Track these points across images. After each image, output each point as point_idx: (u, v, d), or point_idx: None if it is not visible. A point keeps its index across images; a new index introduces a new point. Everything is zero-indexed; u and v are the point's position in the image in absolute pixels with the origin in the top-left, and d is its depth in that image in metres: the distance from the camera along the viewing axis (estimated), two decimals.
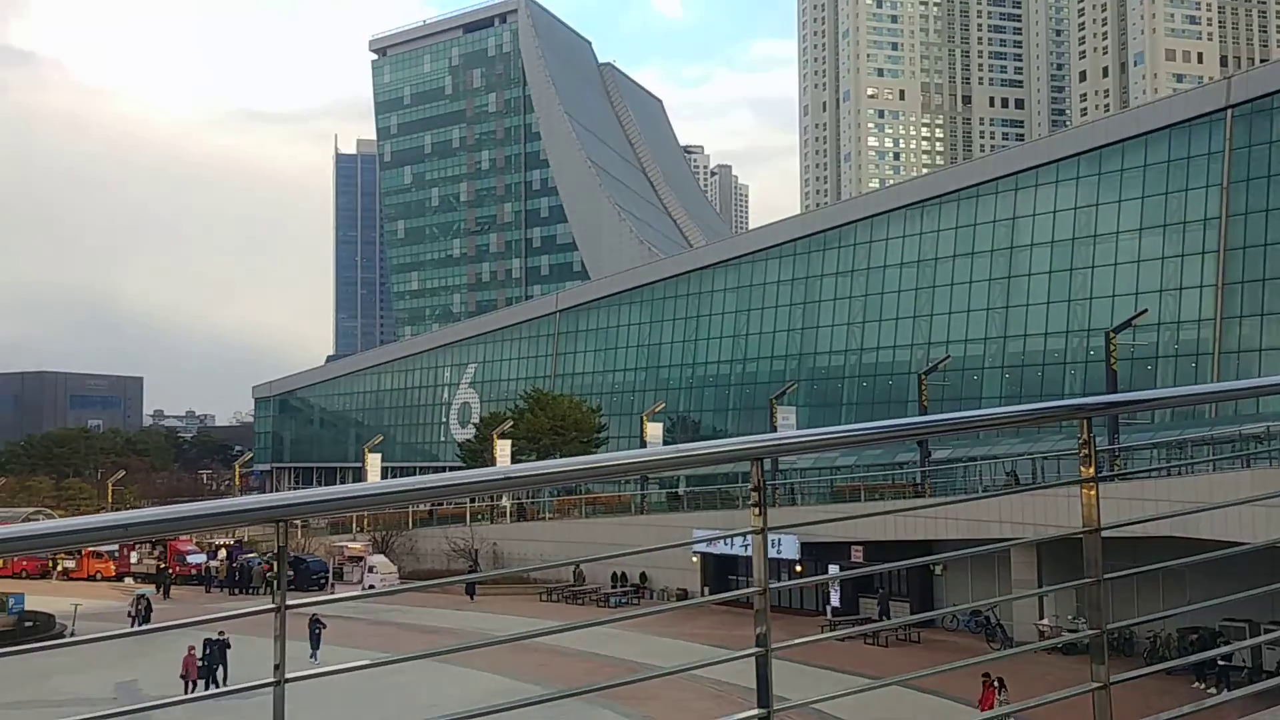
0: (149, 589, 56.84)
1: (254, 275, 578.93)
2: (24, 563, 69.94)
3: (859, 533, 44.87)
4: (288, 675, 3.08)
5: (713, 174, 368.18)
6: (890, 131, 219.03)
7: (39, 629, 49.49)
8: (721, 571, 54.31)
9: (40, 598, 56.50)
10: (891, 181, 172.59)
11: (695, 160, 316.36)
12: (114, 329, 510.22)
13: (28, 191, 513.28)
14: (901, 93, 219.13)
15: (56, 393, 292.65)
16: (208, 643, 35.95)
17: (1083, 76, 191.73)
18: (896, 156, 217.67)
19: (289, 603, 3.12)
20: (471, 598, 56.32)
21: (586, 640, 39.45)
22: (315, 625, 38.91)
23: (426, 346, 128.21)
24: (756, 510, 3.79)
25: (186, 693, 34.19)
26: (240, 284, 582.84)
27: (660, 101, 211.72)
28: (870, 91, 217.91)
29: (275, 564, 3.01)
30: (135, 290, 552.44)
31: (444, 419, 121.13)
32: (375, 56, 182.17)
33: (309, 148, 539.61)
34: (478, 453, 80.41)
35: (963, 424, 4.23)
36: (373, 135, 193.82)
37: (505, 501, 70.57)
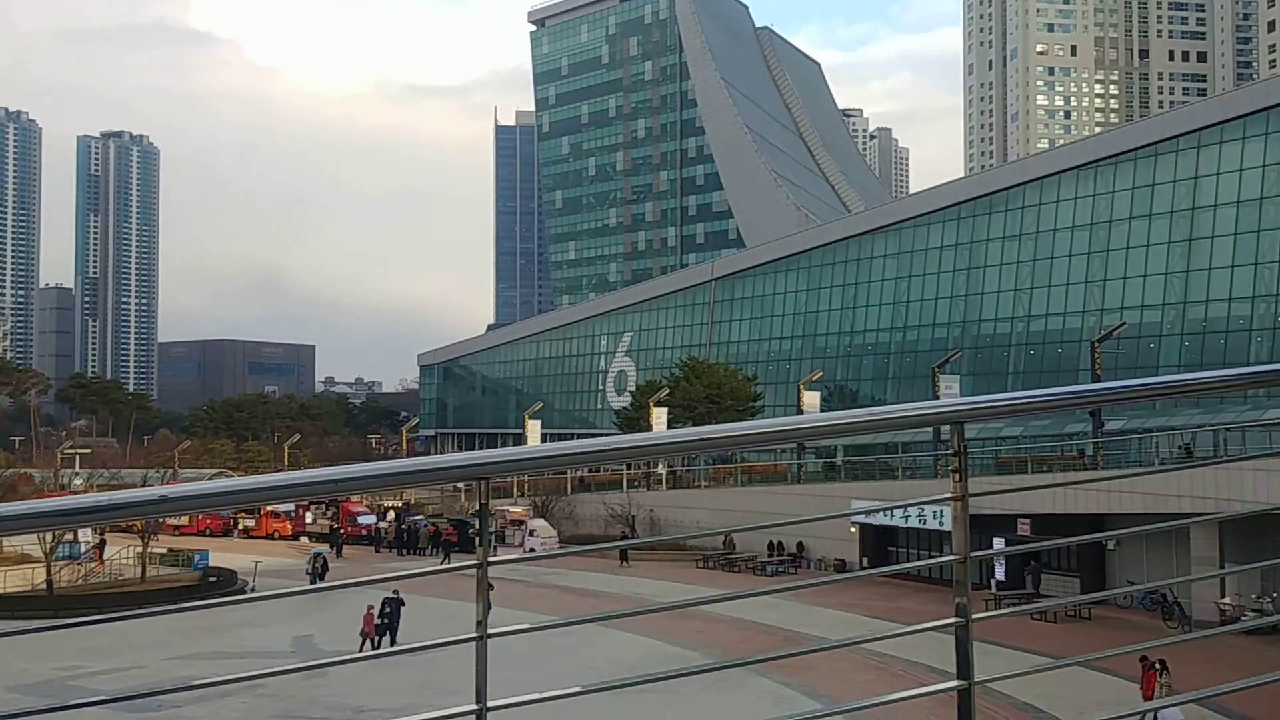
0: (324, 548, 59.16)
1: (418, 246, 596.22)
2: (207, 521, 73.81)
3: (1026, 505, 43.53)
4: (489, 631, 3.10)
5: (872, 137, 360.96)
6: (1060, 89, 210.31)
7: (222, 584, 51.90)
8: (881, 542, 53.57)
9: (223, 555, 59.51)
10: (1062, 142, 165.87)
11: (854, 124, 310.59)
12: (288, 298, 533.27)
13: (209, 168, 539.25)
14: (1073, 48, 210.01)
15: (236, 359, 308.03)
16: (386, 601, 36.43)
17: (1271, 26, 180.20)
18: (1067, 115, 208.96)
19: (490, 560, 3.14)
20: (624, 563, 56.96)
21: (743, 608, 39.46)
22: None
23: (583, 315, 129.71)
24: (957, 476, 3.60)
25: (361, 650, 35.48)
26: (405, 255, 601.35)
27: (818, 65, 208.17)
28: (1040, 48, 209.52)
29: (476, 522, 3.03)
30: (308, 261, 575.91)
31: (600, 387, 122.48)
32: (534, 28, 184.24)
33: (470, 120, 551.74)
34: (634, 420, 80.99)
35: (1173, 388, 3.97)
36: (531, 106, 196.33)
37: (661, 469, 71.03)
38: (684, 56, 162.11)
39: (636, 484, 70.90)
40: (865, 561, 53.25)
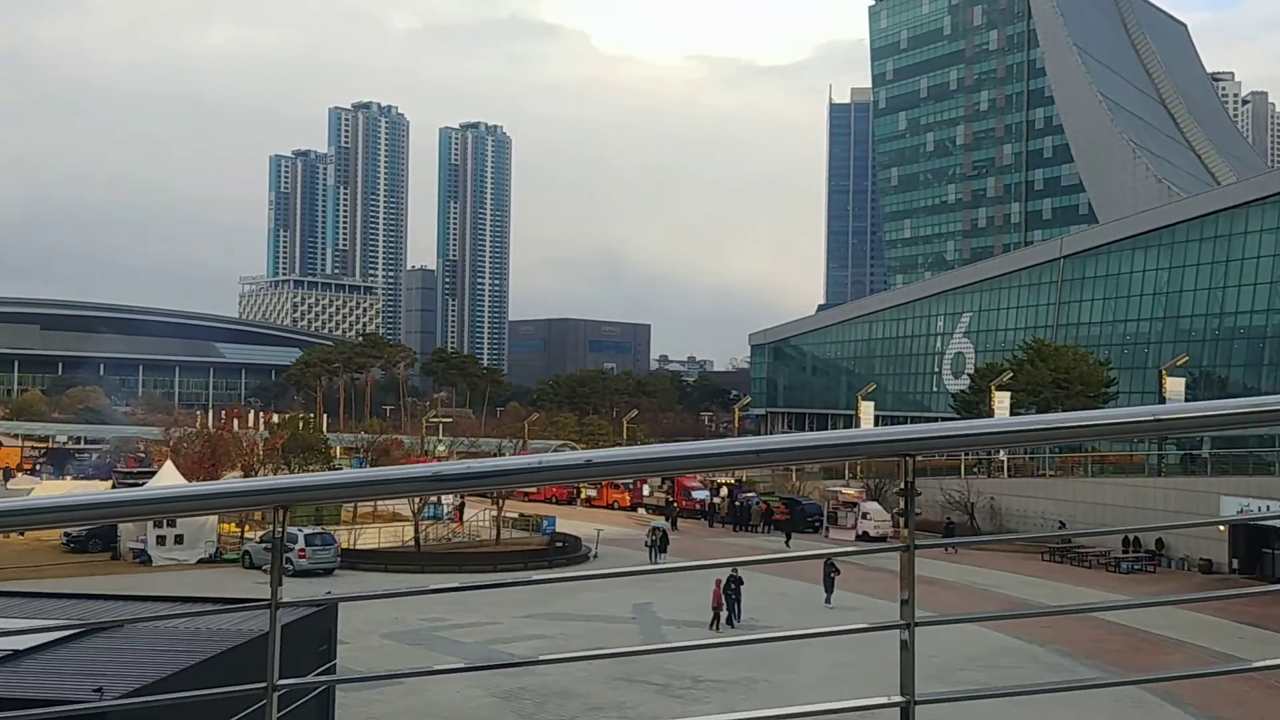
0: (661, 520, 60.75)
1: (750, 226, 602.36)
2: (554, 489, 77.81)
3: None
4: (917, 619, 2.87)
5: (1244, 102, 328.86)
6: None
7: (567, 550, 54.50)
8: (1254, 543, 48.82)
9: (567, 522, 62.57)
10: None
11: (1224, 88, 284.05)
12: (625, 279, 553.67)
13: (553, 156, 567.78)
14: None
15: (578, 337, 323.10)
16: (730, 579, 36.38)
17: None
18: None
19: (918, 543, 2.91)
20: (949, 550, 55.21)
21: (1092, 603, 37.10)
22: (830, 570, 38.90)
23: (919, 295, 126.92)
24: None
25: (714, 626, 36.07)
26: (737, 235, 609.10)
27: (1183, 26, 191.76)
28: None
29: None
30: (646, 243, 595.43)
31: (936, 369, 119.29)
32: (873, 2, 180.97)
33: (804, 99, 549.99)
34: (972, 404, 78.30)
35: None
36: (867, 83, 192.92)
37: (1002, 455, 68.13)
38: (1032, 23, 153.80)
39: (975, 470, 68.36)
40: (1235, 563, 48.76)
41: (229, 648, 17.07)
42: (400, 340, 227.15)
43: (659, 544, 50.66)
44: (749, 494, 71.49)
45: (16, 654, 15.85)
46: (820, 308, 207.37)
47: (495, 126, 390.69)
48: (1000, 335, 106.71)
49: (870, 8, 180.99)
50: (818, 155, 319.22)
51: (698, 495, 73.12)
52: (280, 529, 2.61)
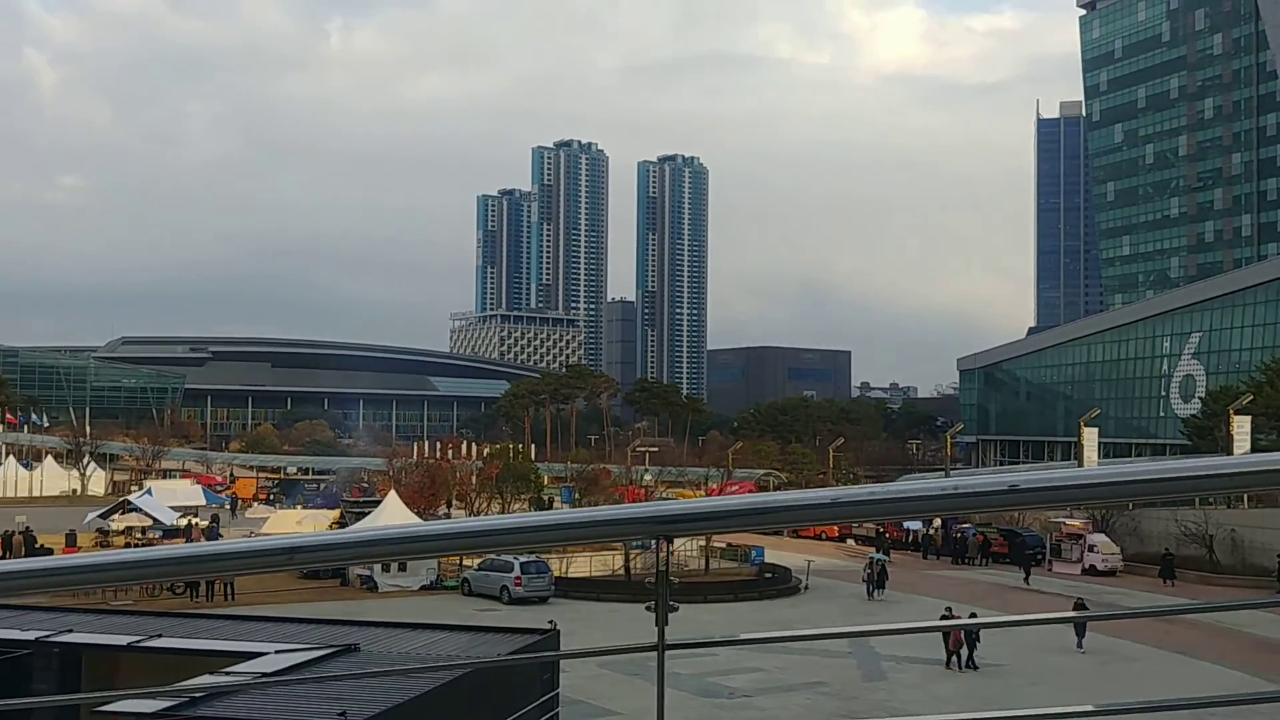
0: (875, 552, 58.86)
1: (953, 249, 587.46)
2: None
3: None
4: None
5: None
6: None
7: (777, 581, 53.57)
8: None
9: (775, 552, 61.52)
10: None
11: None
12: (825, 306, 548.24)
13: (752, 184, 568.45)
14: None
15: (777, 365, 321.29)
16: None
17: None
18: None
19: None
20: (1169, 582, 53.63)
21: None
22: (1078, 609, 36.71)
23: (1141, 315, 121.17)
24: None
25: (950, 664, 34.61)
26: (939, 258, 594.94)
27: None
28: None
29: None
30: (844, 269, 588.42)
31: (1162, 392, 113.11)
32: (1083, 12, 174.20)
33: (1009, 116, 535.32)
34: (1205, 430, 73.86)
35: None
36: (1076, 97, 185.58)
37: None
38: (1261, 25, 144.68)
39: (1212, 500, 63.92)
40: None
41: (462, 675, 17.22)
42: (601, 371, 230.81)
43: (877, 578, 49.16)
44: (965, 524, 68.87)
45: (264, 675, 16.40)
46: (1031, 330, 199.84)
47: (692, 158, 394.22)
48: (1234, 356, 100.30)
49: (1081, 18, 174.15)
50: (1024, 173, 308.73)
51: (909, 524, 70.90)
52: (667, 562, 2.25)
